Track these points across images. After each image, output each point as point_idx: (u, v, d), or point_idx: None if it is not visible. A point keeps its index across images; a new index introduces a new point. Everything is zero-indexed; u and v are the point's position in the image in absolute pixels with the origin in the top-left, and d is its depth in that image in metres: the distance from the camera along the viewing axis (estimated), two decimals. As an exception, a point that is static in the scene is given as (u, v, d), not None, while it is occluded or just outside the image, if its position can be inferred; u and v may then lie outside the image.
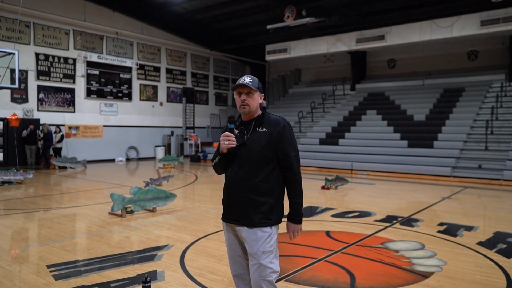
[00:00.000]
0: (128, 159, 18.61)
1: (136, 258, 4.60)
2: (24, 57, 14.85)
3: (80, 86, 16.93)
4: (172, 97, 20.80)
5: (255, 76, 2.66)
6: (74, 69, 16.73)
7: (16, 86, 13.57)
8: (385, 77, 20.07)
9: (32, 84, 15.50)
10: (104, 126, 17.80)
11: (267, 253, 2.51)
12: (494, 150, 12.84)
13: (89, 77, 17.13)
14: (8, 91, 14.61)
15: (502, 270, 4.28)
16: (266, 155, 2.50)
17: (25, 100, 15.32)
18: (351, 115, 17.78)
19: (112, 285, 3.78)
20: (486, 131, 13.23)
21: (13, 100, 15.01)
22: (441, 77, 18.16)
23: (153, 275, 4.02)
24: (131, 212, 6.95)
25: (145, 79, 19.46)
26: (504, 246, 5.22)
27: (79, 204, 8.06)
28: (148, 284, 2.86)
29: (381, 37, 16.47)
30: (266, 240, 2.51)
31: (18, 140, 14.42)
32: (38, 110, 15.63)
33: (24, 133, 14.50)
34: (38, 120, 15.31)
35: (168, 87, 20.56)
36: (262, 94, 2.64)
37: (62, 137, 15.38)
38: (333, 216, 7.05)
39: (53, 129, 15.28)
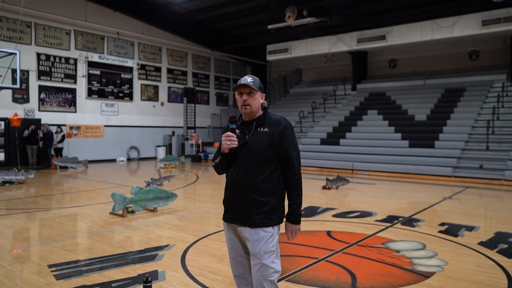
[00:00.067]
0: (129, 159, 18.63)
1: (137, 258, 4.61)
2: (26, 57, 14.87)
3: (81, 86, 16.95)
4: (173, 97, 20.81)
5: (256, 76, 2.66)
6: (75, 69, 16.74)
7: (18, 86, 13.59)
8: (386, 77, 20.06)
9: (34, 84, 15.52)
10: (105, 126, 17.81)
11: (269, 253, 2.51)
12: (495, 150, 12.83)
13: (90, 77, 17.15)
14: (10, 91, 14.63)
15: (503, 270, 4.28)
16: (267, 155, 2.50)
17: (26, 100, 15.34)
18: (352, 115, 17.77)
19: (113, 285, 3.79)
20: (487, 131, 13.22)
21: (15, 100, 15.03)
22: (442, 77, 18.14)
23: (154, 275, 4.02)
24: (132, 212, 6.95)
25: (146, 79, 19.47)
26: (505, 246, 5.21)
27: (80, 204, 8.07)
28: (149, 284, 2.87)
29: (382, 37, 16.46)
30: (268, 240, 2.51)
31: (20, 140, 14.44)
32: (39, 110, 15.65)
33: (26, 133, 14.52)
34: (39, 120, 15.33)
35: (169, 87, 20.58)
36: (264, 94, 2.64)
37: (63, 137, 15.39)
38: (334, 216, 7.05)
39: (54, 129, 15.30)
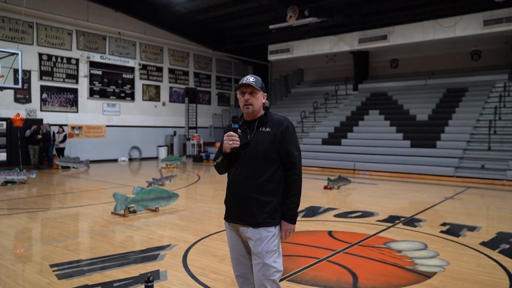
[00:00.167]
0: (130, 159, 18.64)
1: (139, 258, 4.61)
2: (27, 57, 14.91)
3: (83, 86, 16.97)
4: (174, 97, 20.83)
5: (257, 76, 2.65)
6: (77, 69, 16.77)
7: (20, 86, 13.62)
8: (388, 77, 20.04)
9: (35, 84, 15.55)
10: (107, 126, 17.84)
11: (271, 252, 2.51)
12: (497, 150, 12.81)
13: (92, 77, 17.17)
14: (12, 91, 14.66)
15: (505, 270, 4.27)
16: (270, 155, 2.50)
17: (28, 100, 15.37)
18: (353, 115, 17.76)
19: (115, 284, 3.79)
20: (489, 131, 13.19)
21: (16, 100, 15.06)
22: (444, 77, 18.11)
23: (155, 275, 4.03)
24: (134, 212, 6.96)
25: (148, 79, 19.49)
26: (507, 246, 5.20)
27: (82, 204, 8.08)
28: (151, 284, 2.87)
29: (384, 37, 16.44)
30: (270, 240, 2.51)
31: (22, 140, 14.46)
32: (41, 110, 15.68)
33: (28, 132, 14.54)
34: (41, 120, 15.36)
35: (170, 87, 20.59)
36: (265, 94, 2.64)
37: (65, 137, 15.42)
38: (335, 216, 7.04)
39: (56, 129, 15.35)
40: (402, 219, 6.80)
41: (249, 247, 2.59)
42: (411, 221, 6.63)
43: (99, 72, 17.39)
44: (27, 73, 15.14)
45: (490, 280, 4.02)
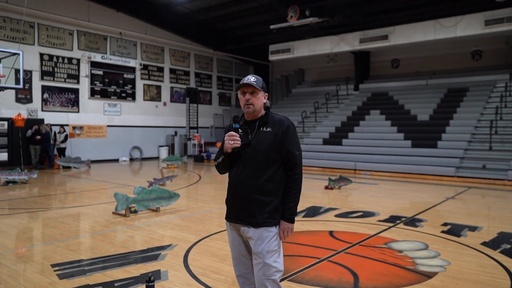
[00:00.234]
0: (131, 159, 18.66)
1: (140, 258, 4.62)
2: (29, 58, 14.93)
3: (84, 86, 16.99)
4: (175, 97, 20.84)
5: (258, 76, 2.65)
6: (78, 69, 16.79)
7: (21, 86, 13.65)
8: (389, 77, 20.02)
9: (37, 84, 15.57)
10: (108, 126, 17.85)
11: (272, 252, 2.51)
12: (498, 150, 12.79)
13: (93, 77, 17.19)
14: (13, 91, 14.68)
15: (506, 271, 4.27)
16: (271, 155, 2.51)
17: (29, 100, 15.39)
18: (354, 115, 17.76)
19: (116, 284, 3.80)
20: (490, 131, 13.18)
21: (18, 100, 15.08)
22: (445, 77, 18.10)
23: (156, 275, 4.03)
24: (135, 211, 6.97)
25: (149, 79, 19.50)
26: (508, 246, 5.20)
27: (83, 203, 8.09)
28: (152, 284, 2.87)
29: (385, 37, 16.43)
30: (271, 240, 2.52)
31: (23, 140, 14.48)
32: (42, 110, 15.70)
33: (29, 132, 14.55)
34: (42, 120, 15.38)
35: (171, 87, 20.60)
36: (266, 94, 2.64)
37: (66, 137, 15.44)
38: (336, 216, 7.04)
39: (57, 129, 15.36)
40: (403, 219, 6.80)
41: (250, 247, 2.59)
42: (412, 221, 6.63)
43: (100, 72, 17.41)
44: (28, 73, 15.16)
45: (491, 280, 4.01)
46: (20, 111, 14.56)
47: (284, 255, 2.71)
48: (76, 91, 16.74)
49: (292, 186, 2.56)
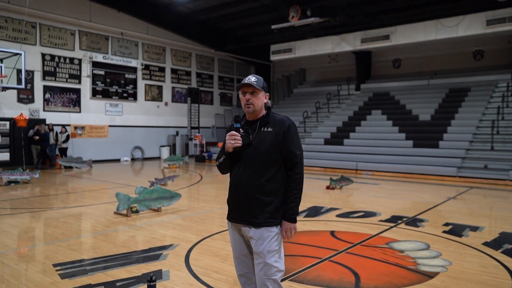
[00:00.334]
0: (133, 159, 18.68)
1: (141, 258, 4.63)
2: (30, 58, 14.96)
3: (85, 86, 17.02)
4: (177, 97, 20.86)
5: (260, 76, 2.65)
6: (80, 70, 16.82)
7: (23, 86, 13.70)
8: (390, 77, 20.01)
9: (38, 84, 15.60)
10: (110, 126, 17.88)
11: (273, 252, 2.51)
12: (500, 150, 12.77)
13: (94, 77, 17.21)
14: (15, 91, 14.72)
15: (508, 271, 4.27)
16: (272, 155, 2.51)
17: (31, 100, 15.42)
18: (356, 115, 17.74)
19: (117, 284, 3.81)
20: (492, 131, 13.16)
21: (20, 100, 15.11)
22: (447, 76, 18.07)
23: (158, 275, 4.04)
24: (136, 211, 6.98)
25: (150, 79, 19.52)
26: (510, 246, 5.19)
27: (84, 203, 8.11)
28: (153, 283, 2.88)
29: (386, 37, 16.42)
30: (272, 240, 2.52)
31: (25, 140, 14.51)
32: (44, 110, 15.73)
33: (31, 132, 14.59)
34: (44, 120, 15.42)
35: (173, 87, 20.62)
36: (267, 93, 2.64)
37: (67, 137, 15.46)
38: (338, 216, 7.04)
39: (58, 129, 15.38)
40: (405, 219, 6.80)
41: (251, 246, 2.60)
42: (414, 221, 6.63)
43: (102, 72, 17.43)
44: (30, 73, 15.19)
45: (493, 280, 4.01)
46: (22, 111, 14.61)
47: (285, 255, 2.71)
48: (77, 91, 16.76)
49: (293, 186, 2.56)
